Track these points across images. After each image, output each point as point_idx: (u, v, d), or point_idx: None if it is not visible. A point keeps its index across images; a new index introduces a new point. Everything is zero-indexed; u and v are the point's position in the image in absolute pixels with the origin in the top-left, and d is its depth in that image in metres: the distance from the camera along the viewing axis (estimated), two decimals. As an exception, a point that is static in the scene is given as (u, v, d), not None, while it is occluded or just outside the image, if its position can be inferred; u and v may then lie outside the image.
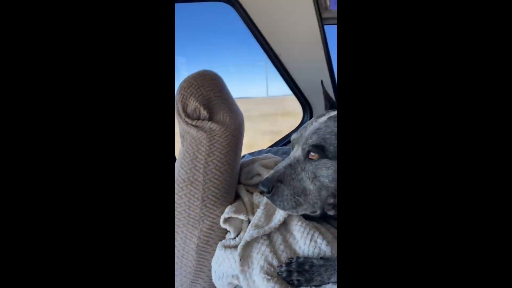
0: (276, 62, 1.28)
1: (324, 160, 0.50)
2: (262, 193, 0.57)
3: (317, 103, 1.44)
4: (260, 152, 1.24)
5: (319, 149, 0.50)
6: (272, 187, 0.53)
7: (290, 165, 0.53)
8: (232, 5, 1.12)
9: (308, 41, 1.22)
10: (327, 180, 0.50)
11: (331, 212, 0.53)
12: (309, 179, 0.51)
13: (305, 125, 0.56)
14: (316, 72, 1.30)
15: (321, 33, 1.20)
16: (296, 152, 0.54)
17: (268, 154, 0.94)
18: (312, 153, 0.51)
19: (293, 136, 0.57)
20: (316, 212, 0.54)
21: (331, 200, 0.51)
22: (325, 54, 1.26)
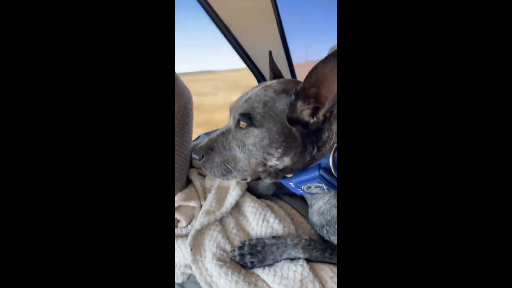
0: (227, 34, 1.20)
1: (251, 128, 0.49)
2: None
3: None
4: (215, 131, 1.20)
5: (247, 117, 0.49)
6: (203, 155, 0.53)
7: (222, 134, 0.53)
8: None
9: (259, 11, 1.16)
10: (254, 148, 0.50)
11: (267, 180, 0.54)
12: (239, 147, 0.51)
13: (242, 94, 0.55)
14: (269, 43, 1.26)
15: (272, 2, 1.14)
16: (230, 121, 0.54)
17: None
18: (241, 122, 0.50)
19: (231, 105, 0.56)
20: (247, 179, 0.54)
21: (261, 168, 0.52)
22: (278, 25, 1.22)
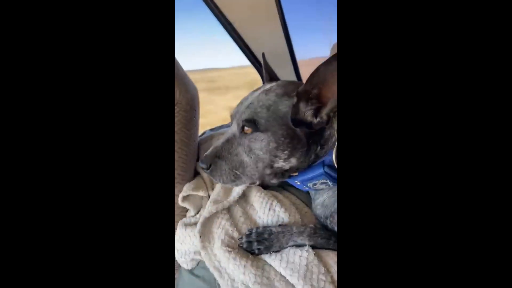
0: (231, 31, 1.22)
1: (257, 133, 0.50)
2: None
3: (277, 74, 1.42)
4: (221, 127, 1.21)
5: (252, 123, 0.50)
6: (210, 163, 0.53)
7: (227, 141, 0.54)
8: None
9: (263, 8, 1.17)
10: (261, 153, 0.51)
11: (274, 181, 0.55)
12: (245, 152, 0.52)
13: (242, 100, 0.56)
14: (273, 41, 1.27)
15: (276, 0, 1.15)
16: (233, 127, 0.55)
17: (226, 129, 0.92)
18: (246, 127, 0.51)
19: (232, 112, 0.57)
20: (255, 183, 0.55)
21: (268, 171, 0.53)
22: (281, 22, 1.23)
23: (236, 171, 0.53)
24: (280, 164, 0.51)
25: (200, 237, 0.54)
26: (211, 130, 1.18)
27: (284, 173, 0.54)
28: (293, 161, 0.51)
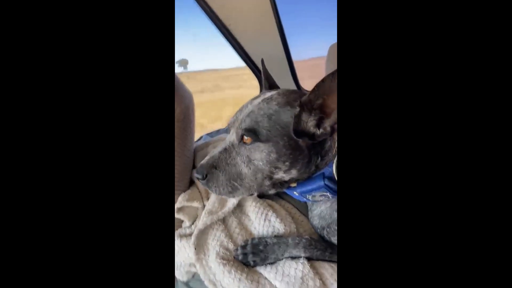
0: (226, 34, 1.21)
1: (257, 143, 0.48)
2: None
3: (274, 76, 1.42)
4: (218, 132, 1.21)
5: (252, 132, 0.48)
6: (206, 174, 0.51)
7: (225, 150, 0.52)
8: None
9: (258, 11, 1.16)
10: (261, 163, 0.49)
11: (271, 191, 0.54)
12: (244, 163, 0.50)
13: (241, 107, 0.54)
14: (269, 43, 1.26)
15: (271, 1, 1.14)
16: (232, 136, 0.53)
17: (223, 134, 0.92)
18: (245, 137, 0.49)
19: (230, 120, 0.55)
20: (253, 194, 0.54)
21: (267, 182, 0.51)
22: (277, 24, 1.22)
23: (234, 182, 0.51)
24: (280, 175, 0.50)
25: (195, 249, 0.54)
26: (208, 134, 1.17)
27: (283, 183, 0.52)
28: (294, 173, 0.50)
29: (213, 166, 0.51)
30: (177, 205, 0.60)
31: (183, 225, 0.62)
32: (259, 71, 1.35)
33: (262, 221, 0.55)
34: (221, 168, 0.51)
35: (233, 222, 0.57)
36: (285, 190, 0.55)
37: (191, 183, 0.69)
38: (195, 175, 0.53)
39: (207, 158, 0.53)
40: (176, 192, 0.62)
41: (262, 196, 0.62)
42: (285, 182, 0.52)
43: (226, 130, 0.99)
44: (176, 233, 0.61)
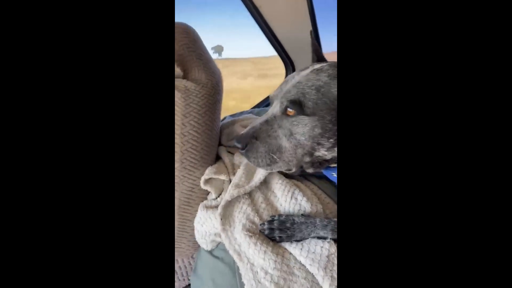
0: (256, 16, 1.19)
1: (301, 117, 0.46)
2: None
3: (300, 62, 1.39)
4: (241, 113, 1.21)
5: (297, 104, 0.46)
6: (247, 144, 0.50)
7: (266, 122, 0.50)
8: None
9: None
10: (303, 138, 0.47)
11: (309, 170, 0.52)
12: (285, 136, 0.48)
13: (286, 78, 0.52)
14: (299, 27, 1.23)
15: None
16: (275, 107, 0.51)
17: (249, 115, 0.91)
18: (289, 109, 0.47)
19: (273, 92, 0.54)
20: (291, 170, 0.52)
21: (307, 159, 0.49)
22: (310, 11, 1.18)
23: (273, 155, 0.49)
24: (322, 153, 0.48)
25: (221, 219, 0.55)
26: (231, 116, 1.17)
27: (322, 163, 0.50)
28: (337, 151, 0.47)
29: (254, 136, 0.50)
30: (204, 177, 0.61)
31: (209, 197, 0.63)
32: (288, 56, 1.33)
33: (288, 199, 0.55)
34: (262, 139, 0.50)
35: (259, 197, 0.57)
36: (322, 171, 0.54)
37: (217, 158, 0.69)
38: (235, 143, 0.52)
39: (247, 128, 0.52)
40: (204, 165, 0.63)
41: (287, 176, 0.62)
42: (326, 161, 0.50)
43: (250, 112, 0.99)
44: (202, 204, 0.62)
